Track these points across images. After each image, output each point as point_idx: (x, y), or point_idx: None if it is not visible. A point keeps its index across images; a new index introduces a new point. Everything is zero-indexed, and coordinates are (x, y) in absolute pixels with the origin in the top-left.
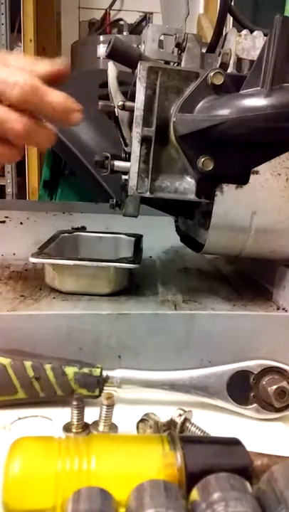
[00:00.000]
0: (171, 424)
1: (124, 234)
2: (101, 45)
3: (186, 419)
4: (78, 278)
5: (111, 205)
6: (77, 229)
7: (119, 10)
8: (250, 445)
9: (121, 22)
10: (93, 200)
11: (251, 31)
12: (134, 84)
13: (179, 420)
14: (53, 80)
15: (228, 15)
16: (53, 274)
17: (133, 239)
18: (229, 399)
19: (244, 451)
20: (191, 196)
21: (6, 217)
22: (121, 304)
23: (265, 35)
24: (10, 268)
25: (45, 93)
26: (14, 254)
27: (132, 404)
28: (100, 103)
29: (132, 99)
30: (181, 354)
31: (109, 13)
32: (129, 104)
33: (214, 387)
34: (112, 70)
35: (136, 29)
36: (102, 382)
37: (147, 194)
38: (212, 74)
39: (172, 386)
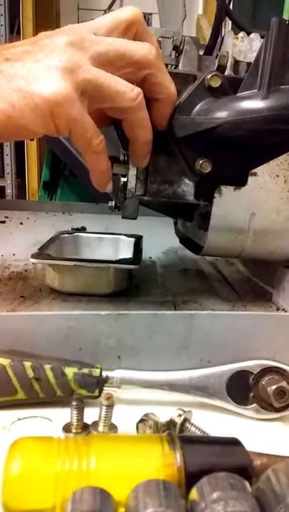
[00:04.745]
0: (170, 424)
1: (124, 235)
2: None
3: (185, 420)
4: (78, 279)
5: (110, 207)
6: (78, 229)
7: None
8: (250, 445)
9: None
10: (93, 201)
11: (248, 33)
12: None
13: (178, 420)
14: None
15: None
16: (53, 274)
17: (133, 239)
18: (229, 399)
19: (243, 451)
20: (190, 198)
21: (6, 217)
22: (121, 305)
23: (262, 37)
24: (10, 268)
25: (164, 71)
26: (14, 254)
27: (131, 404)
28: None
29: None
30: (181, 354)
31: None
32: None
33: (214, 388)
34: None
35: None
36: (101, 382)
37: (146, 197)
38: (209, 76)
39: (172, 386)
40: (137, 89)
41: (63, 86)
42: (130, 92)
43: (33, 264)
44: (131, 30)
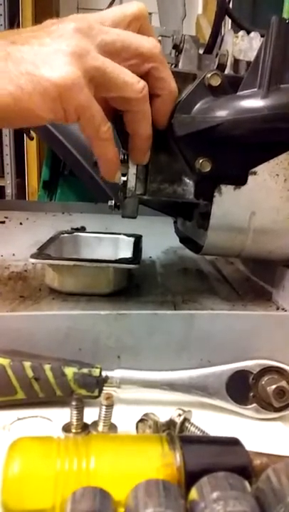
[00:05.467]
0: (170, 424)
1: (124, 234)
2: None
3: (185, 419)
4: (78, 278)
5: (110, 206)
6: (77, 229)
7: None
8: (250, 445)
9: None
10: (93, 201)
11: (248, 32)
12: None
13: (178, 420)
14: None
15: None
16: (53, 274)
17: (132, 239)
18: (228, 399)
19: (243, 450)
20: (190, 197)
21: (6, 217)
22: (120, 304)
23: (262, 36)
24: (9, 269)
25: (167, 68)
26: (14, 254)
27: (131, 404)
28: None
29: None
30: (181, 354)
31: None
32: None
33: (213, 387)
34: None
35: None
36: (101, 382)
37: (146, 196)
38: (209, 75)
39: (172, 386)
40: (143, 82)
41: (72, 71)
42: (137, 84)
43: (33, 264)
44: (135, 25)
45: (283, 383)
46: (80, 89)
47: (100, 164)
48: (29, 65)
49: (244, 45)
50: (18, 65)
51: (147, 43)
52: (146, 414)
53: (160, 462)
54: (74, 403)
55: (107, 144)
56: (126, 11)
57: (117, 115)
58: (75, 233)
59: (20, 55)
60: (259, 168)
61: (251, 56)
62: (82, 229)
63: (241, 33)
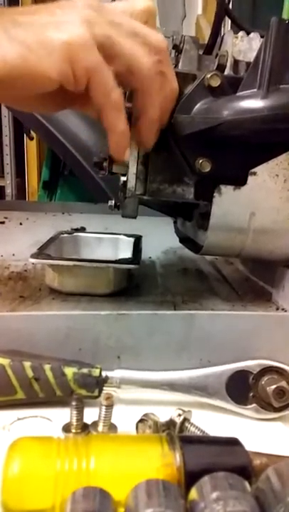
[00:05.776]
0: (170, 424)
1: (124, 234)
2: None
3: (185, 419)
4: (78, 279)
5: (110, 206)
6: (77, 229)
7: None
8: (250, 445)
9: None
10: (93, 201)
11: (248, 33)
12: None
13: (178, 420)
14: None
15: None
16: (53, 274)
17: (132, 239)
18: (228, 399)
19: (243, 450)
20: (190, 198)
21: (6, 217)
22: (120, 305)
23: (261, 36)
24: (9, 269)
25: (171, 66)
26: (14, 254)
27: (131, 404)
28: None
29: (130, 100)
30: (181, 354)
31: None
32: (127, 105)
33: (213, 387)
34: None
35: None
36: (101, 382)
37: (145, 196)
38: (209, 76)
39: (171, 386)
40: (155, 57)
41: (82, 32)
42: (147, 56)
43: (33, 264)
44: (142, 20)
45: (283, 383)
46: (88, 49)
47: (109, 138)
48: (39, 29)
49: (244, 46)
50: (27, 29)
51: (155, 36)
52: (146, 414)
53: (160, 462)
54: (74, 403)
55: (118, 113)
56: (134, 5)
57: None
58: (75, 233)
59: (30, 21)
60: (259, 169)
61: (251, 57)
62: (82, 229)
63: (241, 33)
